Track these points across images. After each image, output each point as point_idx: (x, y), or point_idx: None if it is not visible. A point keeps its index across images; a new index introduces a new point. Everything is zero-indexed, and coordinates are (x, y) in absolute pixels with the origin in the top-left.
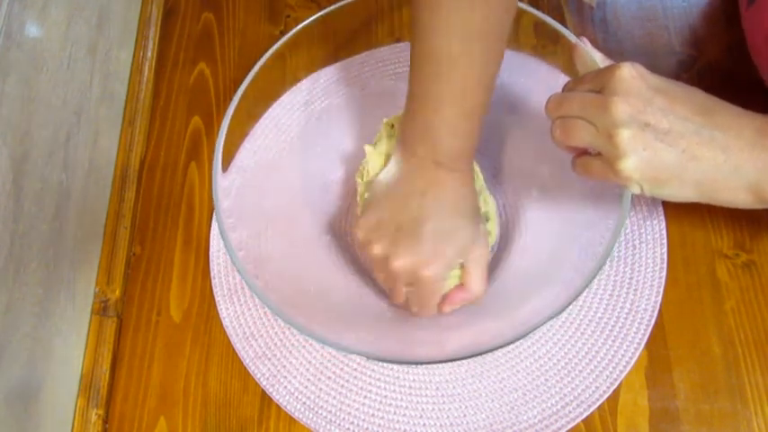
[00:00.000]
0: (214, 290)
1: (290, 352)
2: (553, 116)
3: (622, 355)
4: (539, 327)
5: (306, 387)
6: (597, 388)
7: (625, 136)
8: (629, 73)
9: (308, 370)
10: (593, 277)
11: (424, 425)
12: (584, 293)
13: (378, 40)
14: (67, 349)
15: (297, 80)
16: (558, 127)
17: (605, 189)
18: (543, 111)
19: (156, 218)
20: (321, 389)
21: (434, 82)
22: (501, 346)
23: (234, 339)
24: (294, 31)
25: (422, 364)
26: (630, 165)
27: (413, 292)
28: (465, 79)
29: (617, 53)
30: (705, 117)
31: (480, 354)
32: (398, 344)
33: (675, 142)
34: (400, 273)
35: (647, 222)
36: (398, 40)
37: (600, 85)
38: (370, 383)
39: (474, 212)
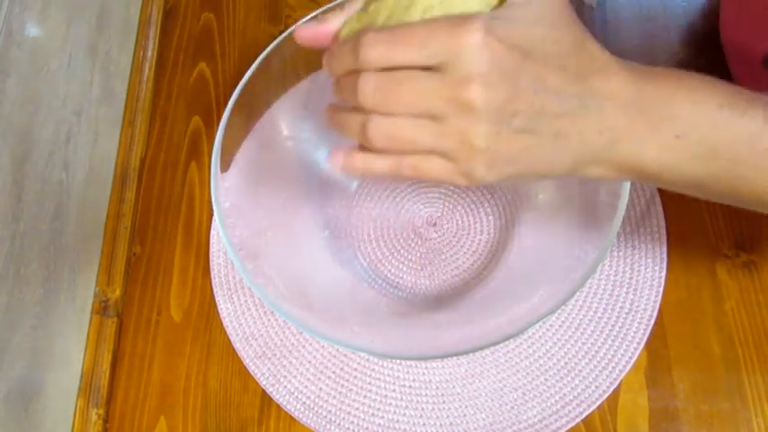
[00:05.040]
0: (214, 290)
1: (290, 352)
2: (348, 100)
3: (622, 355)
4: (538, 322)
5: (306, 387)
6: (597, 387)
7: (481, 140)
8: (484, 39)
9: (308, 370)
10: (593, 273)
11: (424, 425)
12: (584, 293)
13: None
14: (67, 349)
15: (297, 80)
16: (369, 127)
17: (604, 186)
18: None
19: (156, 218)
20: (321, 389)
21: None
22: (500, 342)
23: (234, 339)
24: (293, 27)
25: (421, 359)
26: (490, 173)
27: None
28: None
29: (617, 53)
30: (580, 83)
31: (479, 349)
32: (397, 340)
33: (548, 126)
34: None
35: (647, 222)
36: None
37: (434, 56)
38: (370, 383)
39: None
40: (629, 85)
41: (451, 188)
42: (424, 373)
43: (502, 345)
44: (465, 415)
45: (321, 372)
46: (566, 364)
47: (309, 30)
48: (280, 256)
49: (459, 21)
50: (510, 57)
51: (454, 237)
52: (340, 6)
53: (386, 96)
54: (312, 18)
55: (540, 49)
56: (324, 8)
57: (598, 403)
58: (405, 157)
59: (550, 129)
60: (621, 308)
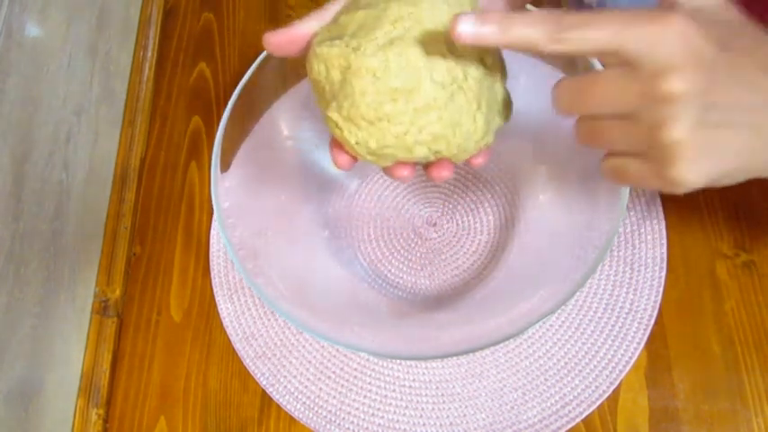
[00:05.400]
0: (214, 290)
1: (290, 352)
2: (566, 112)
3: (622, 355)
4: (538, 322)
5: (306, 387)
6: (597, 387)
7: (682, 133)
8: (684, 27)
9: (307, 370)
10: (593, 273)
11: (424, 425)
12: (584, 293)
13: None
14: (67, 349)
15: (297, 80)
16: (581, 130)
17: (604, 186)
18: (542, 111)
19: (156, 218)
20: (321, 389)
21: None
22: (500, 342)
23: (234, 339)
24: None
25: (421, 359)
26: (691, 171)
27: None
28: None
29: None
30: None
31: (479, 349)
32: (397, 340)
33: (746, 119)
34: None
35: (647, 222)
36: None
37: (635, 50)
38: (370, 383)
39: None
40: None
41: (451, 188)
42: (424, 373)
43: (502, 345)
44: (465, 415)
45: (321, 372)
46: (566, 364)
47: (278, 36)
48: (280, 256)
49: (658, 10)
50: (708, 47)
51: (454, 237)
52: (307, 15)
53: (580, 98)
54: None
55: (733, 42)
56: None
57: (598, 403)
58: (610, 159)
59: (748, 121)
60: (621, 308)
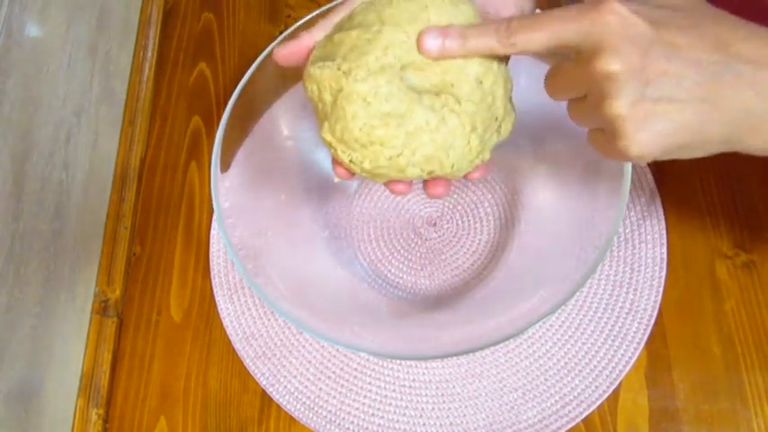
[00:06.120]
0: (214, 290)
1: (290, 352)
2: (551, 97)
3: (622, 355)
4: (538, 322)
5: (306, 387)
6: (597, 387)
7: (621, 108)
8: (616, 13)
9: (307, 370)
10: (593, 273)
11: (424, 425)
12: (584, 293)
13: None
14: (67, 349)
15: (297, 80)
16: (568, 110)
17: (604, 186)
18: (541, 111)
19: (156, 218)
20: (321, 389)
21: None
22: (500, 342)
23: (234, 339)
24: (293, 28)
25: (421, 359)
26: (635, 143)
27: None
28: None
29: None
30: (722, 51)
31: (479, 349)
32: (397, 340)
33: (691, 93)
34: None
35: (647, 222)
36: None
37: (575, 42)
38: (370, 383)
39: None
40: None
41: (451, 188)
42: (424, 373)
43: (502, 345)
44: (465, 415)
45: (321, 372)
46: (566, 364)
47: (287, 49)
48: (280, 256)
49: (591, 2)
50: (644, 28)
51: (454, 237)
52: (309, 25)
53: (553, 84)
54: (285, 37)
55: (672, 22)
56: (322, 9)
57: (598, 403)
58: (590, 133)
59: (693, 95)
60: (621, 308)
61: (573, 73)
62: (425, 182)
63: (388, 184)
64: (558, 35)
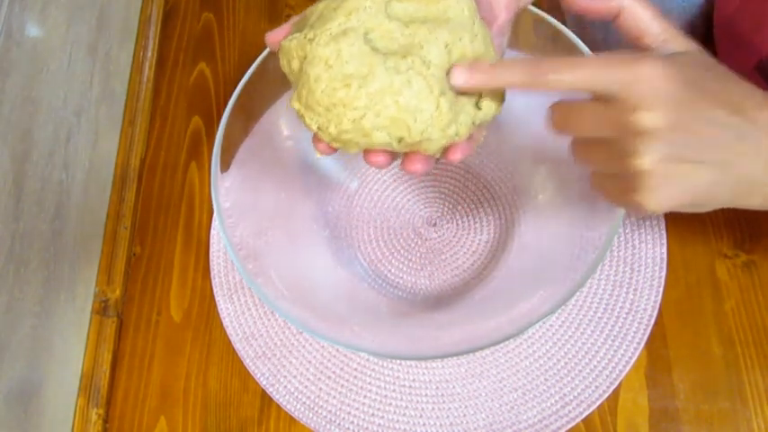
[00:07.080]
0: (214, 290)
1: (290, 352)
2: (558, 131)
3: (622, 355)
4: (538, 322)
5: (306, 387)
6: (597, 388)
7: (648, 164)
8: (655, 70)
9: (307, 370)
10: (593, 273)
11: (424, 425)
12: (584, 293)
13: None
14: (67, 349)
15: None
16: (574, 148)
17: None
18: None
19: (156, 218)
20: (321, 389)
21: None
22: (500, 342)
23: (234, 339)
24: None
25: (421, 359)
26: (654, 198)
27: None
28: None
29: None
30: (739, 115)
31: (479, 349)
32: (397, 340)
33: (712, 156)
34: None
35: (647, 222)
36: None
37: (616, 84)
38: (370, 383)
39: None
40: None
41: (451, 188)
42: (424, 373)
43: (502, 345)
44: (465, 415)
45: (321, 372)
46: (566, 364)
47: (277, 34)
48: (280, 256)
49: (631, 55)
50: (678, 89)
51: (454, 237)
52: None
53: (569, 121)
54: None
55: (708, 86)
56: None
57: (598, 403)
58: (595, 175)
59: (714, 158)
60: (621, 308)
61: (601, 117)
62: (403, 160)
63: (365, 155)
64: (596, 79)
